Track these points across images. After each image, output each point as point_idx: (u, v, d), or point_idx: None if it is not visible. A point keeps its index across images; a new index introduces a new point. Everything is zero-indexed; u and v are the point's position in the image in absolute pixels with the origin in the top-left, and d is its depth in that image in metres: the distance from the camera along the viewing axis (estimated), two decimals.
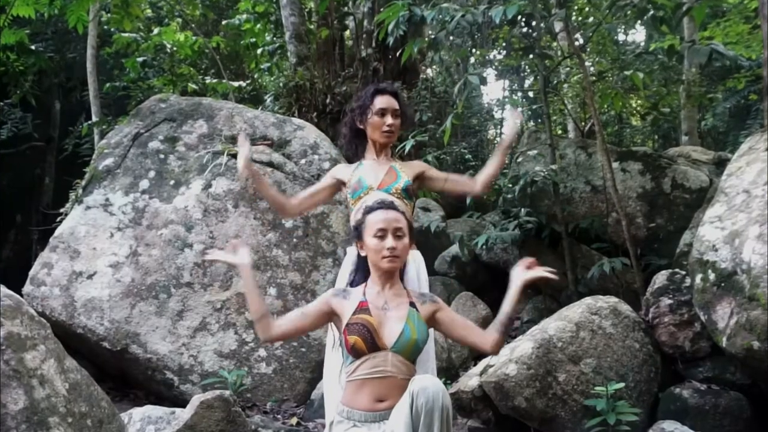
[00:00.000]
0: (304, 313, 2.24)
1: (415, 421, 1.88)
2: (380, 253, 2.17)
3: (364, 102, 2.90)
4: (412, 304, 2.21)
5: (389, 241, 2.16)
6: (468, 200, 5.16)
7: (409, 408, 1.89)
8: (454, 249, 5.93)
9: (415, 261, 2.77)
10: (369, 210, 2.27)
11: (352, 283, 2.34)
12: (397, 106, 2.86)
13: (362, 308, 2.16)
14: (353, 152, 3.04)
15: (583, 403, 3.13)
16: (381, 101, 2.86)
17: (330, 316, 2.22)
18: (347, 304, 2.20)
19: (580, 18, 8.49)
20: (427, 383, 1.91)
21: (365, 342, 2.09)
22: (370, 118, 2.86)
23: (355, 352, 2.11)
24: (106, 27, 7.77)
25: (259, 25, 8.34)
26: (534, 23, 5.21)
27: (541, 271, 2.16)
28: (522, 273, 2.18)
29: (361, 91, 3.11)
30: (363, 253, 2.28)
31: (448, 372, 4.20)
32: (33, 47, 8.01)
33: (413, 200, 2.87)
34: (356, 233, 2.30)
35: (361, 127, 2.92)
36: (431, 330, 2.28)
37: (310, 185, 4.56)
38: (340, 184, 2.92)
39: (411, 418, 1.88)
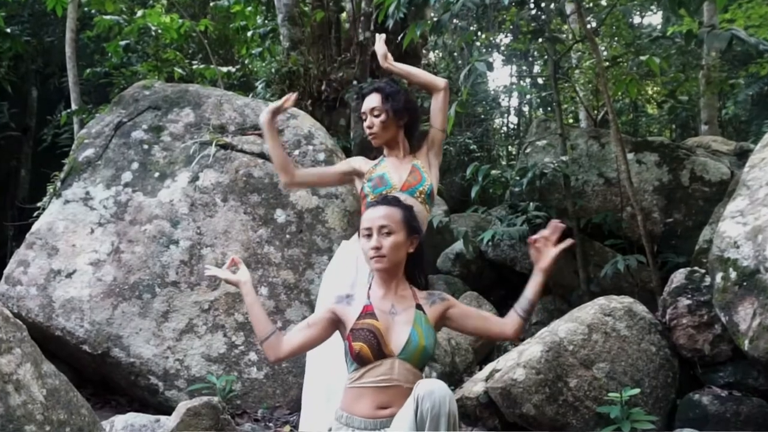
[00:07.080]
0: (310, 324, 2.22)
1: (420, 428, 1.87)
2: (367, 254, 2.20)
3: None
4: (418, 306, 2.20)
5: (372, 241, 2.18)
6: (473, 194, 5.16)
7: (414, 414, 1.88)
8: (458, 245, 5.93)
9: None
10: (367, 208, 2.32)
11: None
12: (376, 103, 2.86)
13: (367, 312, 2.16)
14: None
15: (596, 411, 3.13)
16: (363, 106, 2.91)
17: (337, 324, 2.22)
18: (351, 310, 2.19)
19: None
20: (433, 387, 1.89)
21: (371, 349, 2.08)
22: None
23: (360, 360, 2.10)
24: (86, 9, 7.72)
25: (249, 7, 8.30)
26: (544, 5, 5.20)
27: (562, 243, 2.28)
28: (547, 250, 2.27)
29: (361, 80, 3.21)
30: None
31: (452, 377, 4.20)
32: (8, 30, 7.95)
33: (433, 204, 2.91)
34: (359, 234, 2.33)
35: None
36: None
37: None
38: (354, 175, 2.95)
39: (416, 424, 1.87)
